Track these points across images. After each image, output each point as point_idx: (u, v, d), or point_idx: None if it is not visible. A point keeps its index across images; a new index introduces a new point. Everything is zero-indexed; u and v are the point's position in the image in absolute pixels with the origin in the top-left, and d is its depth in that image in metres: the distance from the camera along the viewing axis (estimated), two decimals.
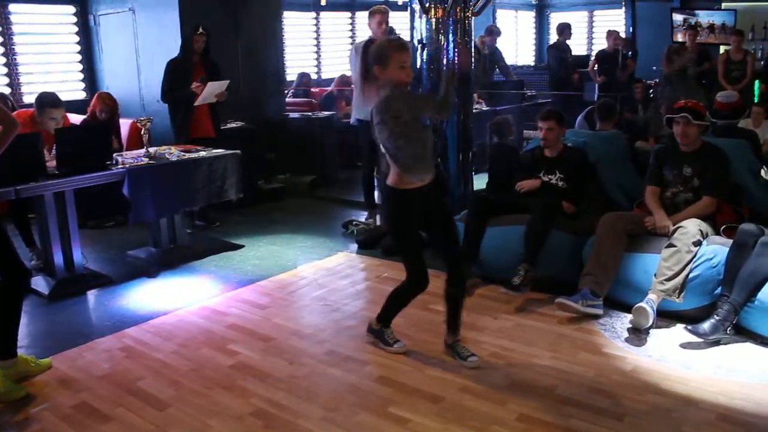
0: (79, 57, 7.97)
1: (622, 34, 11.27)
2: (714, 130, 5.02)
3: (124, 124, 6.60)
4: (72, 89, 7.90)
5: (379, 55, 3.24)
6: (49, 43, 7.84)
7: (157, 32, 7.22)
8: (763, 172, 4.83)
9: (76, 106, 7.04)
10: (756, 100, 8.36)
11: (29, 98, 7.14)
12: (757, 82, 8.97)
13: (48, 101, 5.06)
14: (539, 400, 3.15)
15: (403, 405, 3.11)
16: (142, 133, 5.32)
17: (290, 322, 4.15)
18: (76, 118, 6.41)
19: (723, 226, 4.06)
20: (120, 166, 4.85)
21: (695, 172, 4.15)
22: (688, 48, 9.08)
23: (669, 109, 4.44)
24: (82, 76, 8.01)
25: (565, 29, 10.70)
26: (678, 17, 11.23)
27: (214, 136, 6.13)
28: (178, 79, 5.97)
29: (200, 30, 5.96)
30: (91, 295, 4.72)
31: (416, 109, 3.29)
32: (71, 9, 7.84)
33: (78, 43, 7.94)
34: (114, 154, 5.07)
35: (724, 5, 11.15)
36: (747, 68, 8.79)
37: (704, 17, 10.98)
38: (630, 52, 10.35)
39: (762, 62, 9.29)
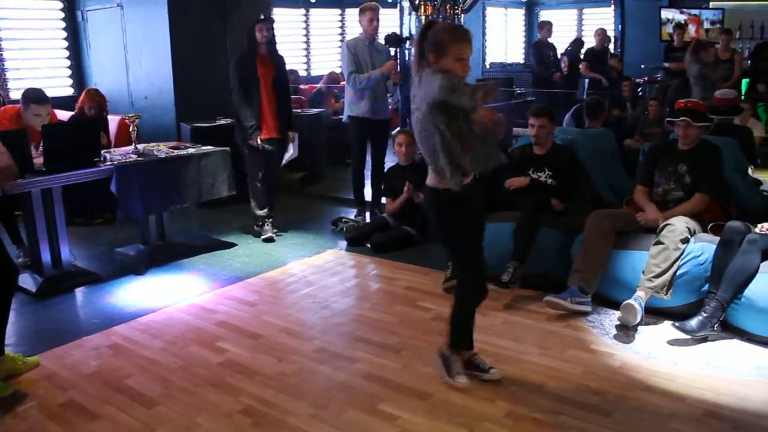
0: (66, 53, 7.92)
1: (611, 32, 11.34)
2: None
3: (113, 121, 6.56)
4: (60, 85, 7.85)
5: (436, 43, 2.98)
6: (36, 39, 7.78)
7: (145, 28, 7.18)
8: (749, 170, 4.87)
9: (63, 103, 6.99)
10: (743, 98, 8.42)
11: (16, 94, 7.09)
12: (744, 81, 9.03)
13: (33, 97, 5.02)
14: (528, 396, 3.16)
15: (392, 402, 3.11)
16: (130, 129, 5.29)
17: (279, 320, 4.14)
18: (63, 115, 6.37)
19: (710, 224, 4.09)
20: (108, 163, 4.82)
21: (689, 168, 4.16)
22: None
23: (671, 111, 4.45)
24: (69, 72, 7.97)
25: (543, 27, 10.79)
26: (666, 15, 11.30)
27: (279, 136, 5.71)
28: (245, 75, 5.51)
29: (262, 18, 5.57)
30: (79, 292, 4.69)
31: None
32: (58, 4, 7.79)
33: (65, 38, 7.89)
34: (102, 151, 5.04)
35: (712, 4, 11.22)
36: (734, 67, 8.84)
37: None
38: (619, 50, 10.44)
39: (748, 61, 9.34)
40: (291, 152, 5.89)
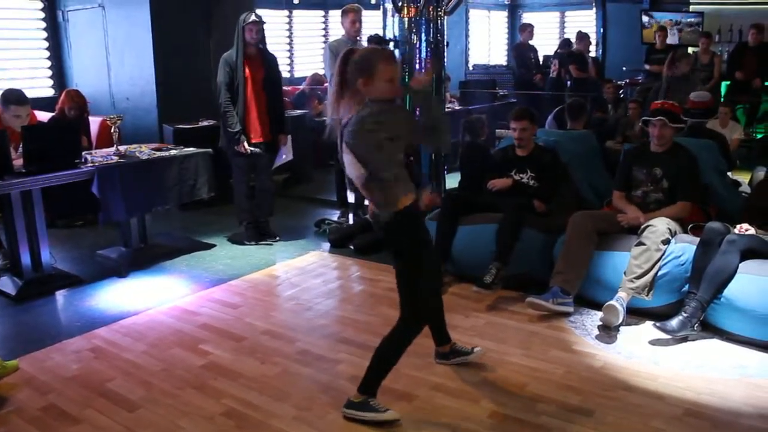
0: (47, 53, 7.83)
1: (593, 35, 11.42)
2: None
3: (94, 122, 6.51)
4: (40, 86, 7.77)
5: (363, 66, 2.81)
6: (16, 39, 7.69)
7: (127, 29, 7.14)
8: (729, 173, 4.92)
9: (44, 104, 6.92)
10: (722, 100, 8.52)
11: None
12: (723, 84, 9.13)
13: (12, 98, 4.97)
14: (510, 397, 3.18)
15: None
16: (112, 131, 5.25)
17: (262, 322, 4.12)
18: (44, 116, 6.31)
19: (690, 225, 4.13)
20: (89, 165, 4.79)
21: (665, 172, 4.21)
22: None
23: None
24: (50, 72, 7.88)
25: (525, 29, 10.86)
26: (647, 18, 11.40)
27: (268, 140, 5.59)
28: (230, 77, 5.35)
29: (253, 18, 5.32)
30: (60, 295, 4.65)
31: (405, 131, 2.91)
32: (39, 4, 7.71)
33: (46, 39, 7.81)
34: (83, 153, 5.00)
35: (692, 8, 11.33)
36: (714, 70, 8.94)
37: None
38: (600, 53, 10.53)
39: (725, 64, 9.45)
40: (284, 156, 5.75)
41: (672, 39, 10.52)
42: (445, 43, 5.71)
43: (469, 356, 3.46)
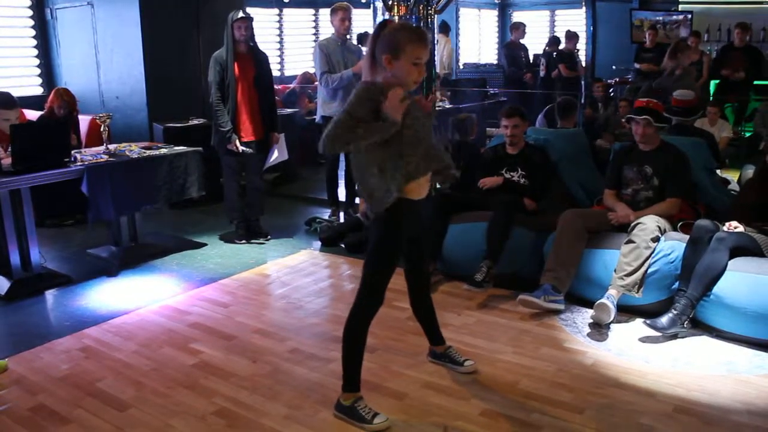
0: (35, 51, 7.79)
1: (582, 34, 11.46)
2: (669, 128, 5.12)
3: (84, 121, 6.48)
4: (29, 84, 7.73)
5: (389, 43, 2.74)
6: (4, 37, 7.65)
7: (116, 27, 7.11)
8: (718, 171, 4.95)
9: (32, 102, 6.89)
10: (711, 99, 8.56)
11: None
12: (712, 83, 9.17)
13: (1, 102, 4.93)
14: (502, 395, 3.18)
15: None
16: (101, 129, 5.23)
17: (253, 321, 4.12)
18: (33, 115, 6.27)
19: (680, 223, 4.15)
20: (79, 164, 4.76)
21: (655, 170, 4.23)
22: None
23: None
24: (38, 71, 7.84)
25: (516, 28, 10.89)
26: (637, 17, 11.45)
27: (260, 138, 5.56)
28: (220, 76, 5.33)
29: (241, 15, 5.30)
30: (50, 295, 4.62)
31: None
32: (27, 2, 7.67)
33: (34, 37, 7.77)
34: (73, 152, 4.98)
35: (681, 7, 11.39)
36: (703, 69, 8.98)
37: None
38: (590, 51, 10.55)
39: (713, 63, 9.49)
40: (275, 155, 5.70)
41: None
42: (435, 41, 5.72)
43: (459, 368, 3.41)
